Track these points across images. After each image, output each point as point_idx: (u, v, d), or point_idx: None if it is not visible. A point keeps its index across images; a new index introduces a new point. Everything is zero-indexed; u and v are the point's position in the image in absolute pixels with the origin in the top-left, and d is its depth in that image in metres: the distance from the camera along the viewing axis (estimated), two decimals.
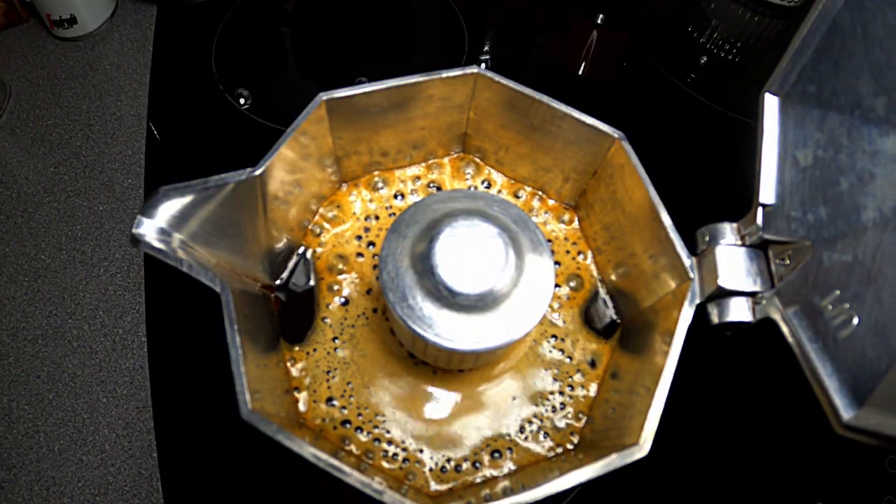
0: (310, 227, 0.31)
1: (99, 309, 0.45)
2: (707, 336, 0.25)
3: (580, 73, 0.60)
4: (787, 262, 0.24)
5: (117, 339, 0.44)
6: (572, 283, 0.31)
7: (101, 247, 0.47)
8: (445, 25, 0.62)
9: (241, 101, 0.53)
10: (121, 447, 0.41)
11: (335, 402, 0.27)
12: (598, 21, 0.64)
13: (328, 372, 0.28)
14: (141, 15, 0.59)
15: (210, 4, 0.59)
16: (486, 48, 0.60)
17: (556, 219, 0.32)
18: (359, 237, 0.31)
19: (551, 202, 0.32)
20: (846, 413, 0.21)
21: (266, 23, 0.60)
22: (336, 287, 0.30)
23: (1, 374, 0.43)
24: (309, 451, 0.21)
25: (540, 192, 0.32)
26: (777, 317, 0.23)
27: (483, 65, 0.58)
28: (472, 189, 0.32)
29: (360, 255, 0.31)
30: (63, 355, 0.44)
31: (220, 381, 0.40)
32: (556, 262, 0.31)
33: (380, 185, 0.33)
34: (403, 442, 0.27)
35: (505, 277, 0.23)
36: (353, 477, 0.20)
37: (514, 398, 0.28)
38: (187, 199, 0.25)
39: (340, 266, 0.30)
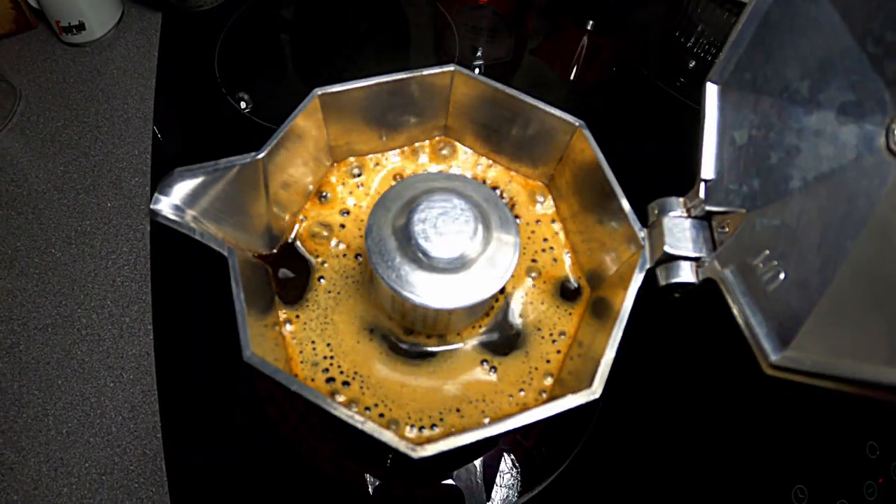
0: (305, 205, 0.35)
1: (107, 299, 0.49)
2: (659, 297, 0.29)
3: (571, 77, 0.65)
4: (726, 229, 0.28)
5: (124, 328, 0.48)
6: (548, 255, 0.35)
7: (110, 241, 0.51)
8: (438, 33, 0.66)
9: (242, 104, 0.58)
10: (127, 429, 0.44)
11: (320, 363, 0.31)
12: (588, 27, 0.69)
13: (317, 332, 0.32)
14: (146, 22, 0.64)
15: (213, 12, 0.64)
16: (479, 53, 0.64)
17: (531, 199, 0.37)
18: (344, 212, 0.36)
19: (530, 182, 0.37)
20: (773, 355, 0.25)
21: (266, 30, 0.65)
22: (320, 257, 0.34)
23: (11, 362, 0.47)
24: (300, 387, 0.25)
25: (514, 175, 0.37)
26: (717, 277, 0.27)
27: (476, 70, 0.63)
28: (450, 172, 0.37)
29: (342, 225, 0.35)
30: (72, 343, 0.47)
31: (223, 367, 0.44)
32: (528, 239, 0.35)
33: (366, 167, 0.37)
34: (383, 400, 0.31)
35: (474, 245, 0.28)
36: (340, 410, 0.24)
37: (489, 365, 0.32)
38: (199, 179, 0.30)
39: (324, 233, 0.35)
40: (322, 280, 0.33)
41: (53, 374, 0.46)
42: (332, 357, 0.31)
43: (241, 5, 0.65)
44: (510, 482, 0.39)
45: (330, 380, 0.31)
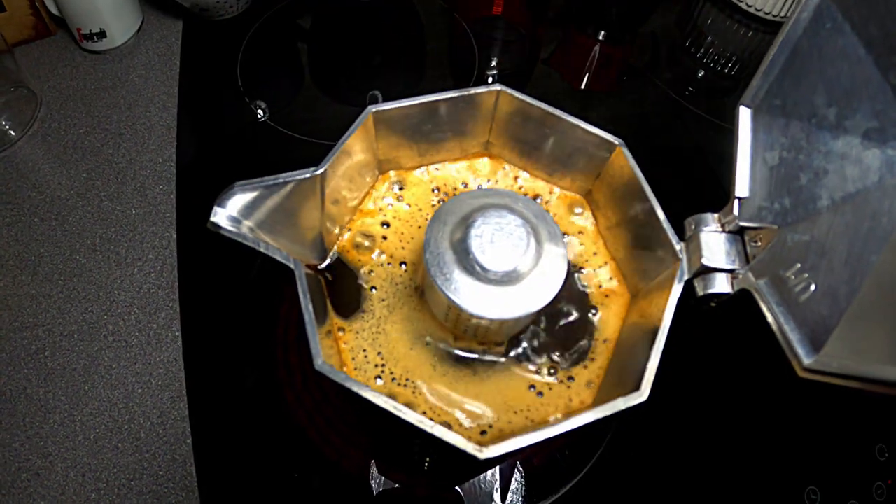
0: (353, 217, 0.38)
1: (133, 306, 0.51)
2: (697, 306, 0.32)
3: (583, 86, 0.68)
4: (759, 243, 0.31)
5: (152, 334, 0.50)
6: (590, 266, 0.38)
7: (135, 248, 0.53)
8: (455, 41, 0.69)
9: (260, 112, 0.60)
10: (156, 434, 0.46)
11: (371, 370, 0.34)
12: (600, 37, 0.72)
13: (369, 341, 0.35)
14: (166, 30, 0.67)
15: (233, 21, 0.67)
16: (494, 63, 0.67)
17: (570, 211, 0.40)
18: (385, 224, 0.39)
19: (568, 195, 0.40)
20: (806, 359, 0.28)
21: (286, 39, 0.68)
22: (365, 266, 0.37)
23: (37, 368, 0.48)
24: (372, 394, 0.27)
25: (552, 188, 0.40)
26: (751, 288, 0.30)
27: (490, 79, 0.66)
28: (497, 187, 0.40)
29: (384, 237, 0.38)
30: (98, 349, 0.49)
31: (252, 373, 0.46)
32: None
33: (407, 181, 0.40)
34: (433, 407, 0.33)
35: (527, 259, 0.30)
36: (410, 415, 0.27)
37: (537, 378, 0.35)
38: (255, 193, 0.32)
39: (367, 244, 0.37)
40: (374, 290, 0.36)
41: (80, 381, 0.48)
42: (384, 365, 0.34)
43: (262, 15, 0.68)
44: (518, 489, 0.42)
45: (378, 378, 0.34)
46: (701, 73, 0.71)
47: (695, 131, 0.65)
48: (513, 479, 0.42)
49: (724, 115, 0.65)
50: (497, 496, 0.41)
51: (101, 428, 0.46)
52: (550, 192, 0.40)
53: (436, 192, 0.40)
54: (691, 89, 0.68)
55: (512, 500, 0.41)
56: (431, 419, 0.32)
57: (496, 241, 0.30)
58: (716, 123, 0.64)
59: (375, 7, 0.70)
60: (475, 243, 0.30)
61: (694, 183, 0.59)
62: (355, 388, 0.27)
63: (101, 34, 0.62)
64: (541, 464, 0.43)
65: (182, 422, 0.47)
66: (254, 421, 0.45)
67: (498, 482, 0.42)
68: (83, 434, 0.46)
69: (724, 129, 0.64)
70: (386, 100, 0.62)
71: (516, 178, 0.40)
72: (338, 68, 0.66)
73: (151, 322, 0.51)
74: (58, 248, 0.54)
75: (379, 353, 0.34)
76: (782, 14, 0.72)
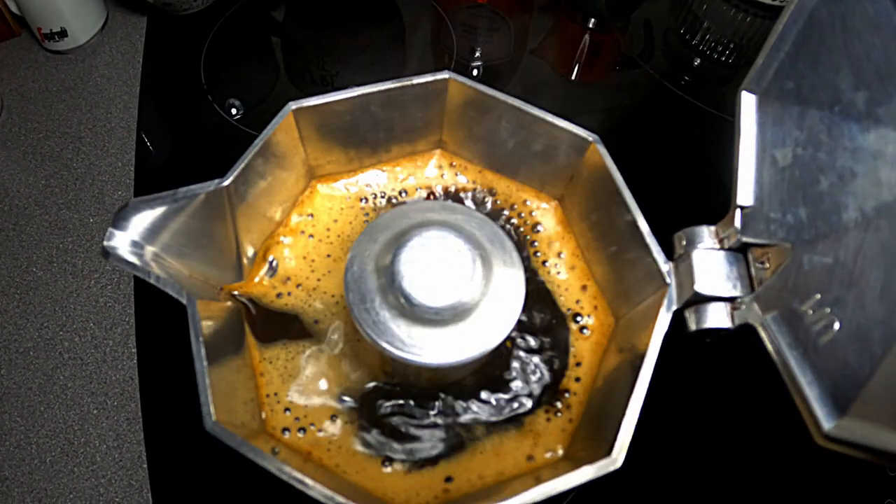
0: (277, 231, 0.30)
1: (90, 321, 0.45)
2: (688, 342, 0.24)
3: (573, 77, 0.60)
4: (767, 265, 0.23)
5: (108, 351, 0.44)
6: (561, 290, 0.30)
7: (92, 259, 0.47)
8: (435, 33, 0.61)
9: (233, 111, 0.52)
10: (112, 458, 0.41)
11: (285, 417, 0.26)
12: (590, 25, 0.64)
13: (286, 376, 0.27)
14: (131, 27, 0.59)
15: (200, 15, 0.59)
16: (477, 54, 0.59)
17: (535, 222, 0.31)
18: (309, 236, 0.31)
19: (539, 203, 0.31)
20: (827, 423, 0.20)
21: (256, 33, 0.60)
22: (289, 292, 0.29)
23: None
24: (275, 464, 0.20)
25: (518, 196, 0.31)
26: (756, 323, 0.22)
27: (475, 71, 0.58)
28: (450, 200, 0.31)
29: (304, 256, 0.30)
30: (54, 367, 0.44)
31: None
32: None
33: (340, 187, 0.32)
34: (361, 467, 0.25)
35: (468, 293, 0.22)
36: (316, 490, 0.20)
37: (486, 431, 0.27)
38: (158, 210, 0.25)
39: (283, 265, 0.29)
40: (305, 316, 0.28)
41: (36, 401, 0.43)
42: (304, 406, 0.26)
43: (229, 8, 0.60)
44: None
45: (301, 430, 0.26)
46: (697, 62, 0.62)
47: (692, 123, 0.56)
48: None
49: (723, 105, 0.57)
50: None
51: (57, 451, 0.41)
52: (513, 203, 0.31)
53: (365, 202, 0.31)
54: (687, 78, 0.60)
55: None
56: (354, 482, 0.25)
57: (431, 269, 0.22)
58: (713, 114, 0.56)
59: None
60: (404, 270, 0.22)
61: (691, 185, 0.51)
62: (251, 456, 0.20)
63: (62, 33, 0.54)
64: None
65: (138, 445, 0.41)
66: (212, 445, 0.39)
67: None
68: (39, 457, 0.41)
69: (725, 120, 0.55)
70: None
71: (474, 183, 0.32)
72: (313, 62, 0.58)
73: (107, 338, 0.45)
74: (15, 260, 0.48)
75: (292, 398, 0.26)
76: None
